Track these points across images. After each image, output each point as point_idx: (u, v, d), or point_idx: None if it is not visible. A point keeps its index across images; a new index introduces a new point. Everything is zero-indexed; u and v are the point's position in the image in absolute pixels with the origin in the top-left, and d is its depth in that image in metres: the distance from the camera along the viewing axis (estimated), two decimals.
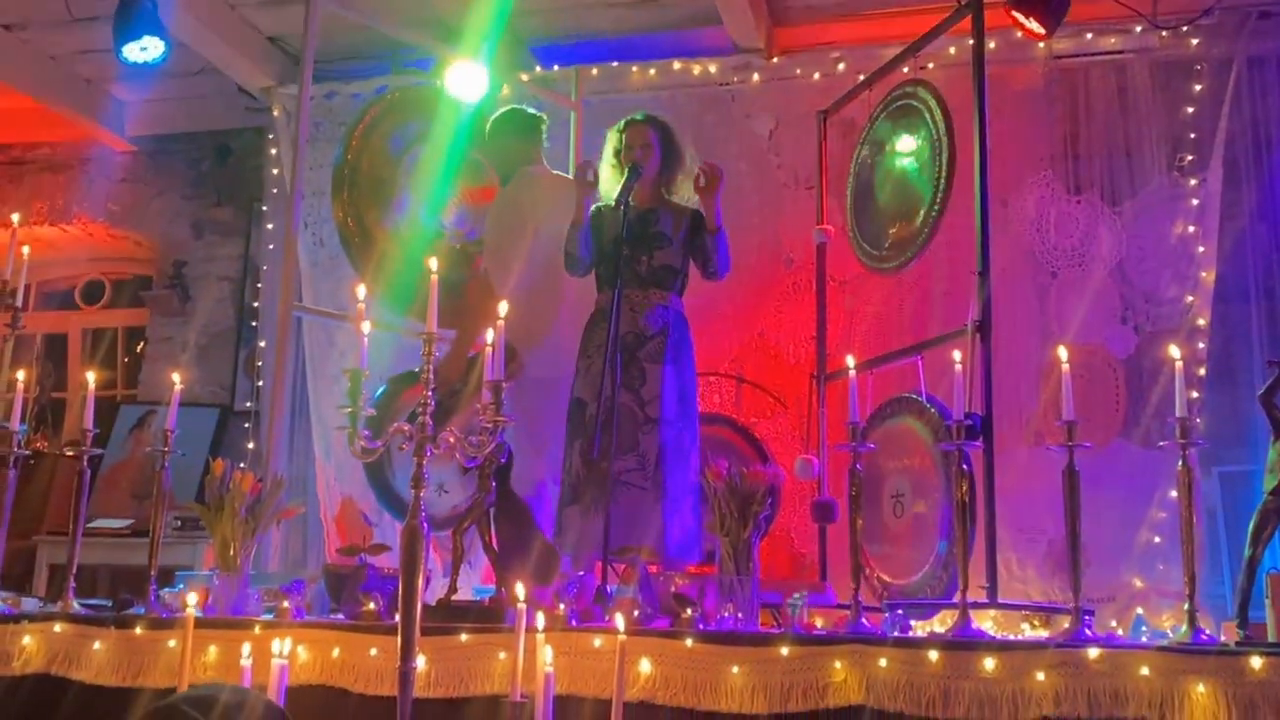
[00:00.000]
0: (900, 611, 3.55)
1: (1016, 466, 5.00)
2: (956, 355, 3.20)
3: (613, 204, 3.95)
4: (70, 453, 6.94)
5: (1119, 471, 5.18)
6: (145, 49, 5.40)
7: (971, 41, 4.30)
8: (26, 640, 3.03)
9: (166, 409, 6.74)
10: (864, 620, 2.84)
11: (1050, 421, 5.27)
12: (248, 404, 6.65)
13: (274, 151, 6.40)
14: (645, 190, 3.96)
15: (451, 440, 2.57)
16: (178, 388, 3.49)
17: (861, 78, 5.63)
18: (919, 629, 3.74)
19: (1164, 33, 5.36)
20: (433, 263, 2.68)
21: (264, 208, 6.55)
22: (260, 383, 6.49)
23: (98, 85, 6.88)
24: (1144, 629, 5.03)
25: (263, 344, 6.35)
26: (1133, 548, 5.11)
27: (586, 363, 3.88)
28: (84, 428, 3.52)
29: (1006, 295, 5.04)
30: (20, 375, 4.00)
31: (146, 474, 6.73)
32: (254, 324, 6.67)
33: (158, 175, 7.22)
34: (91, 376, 3.55)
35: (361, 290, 2.77)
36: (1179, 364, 2.84)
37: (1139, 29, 5.39)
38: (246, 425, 6.54)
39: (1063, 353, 2.82)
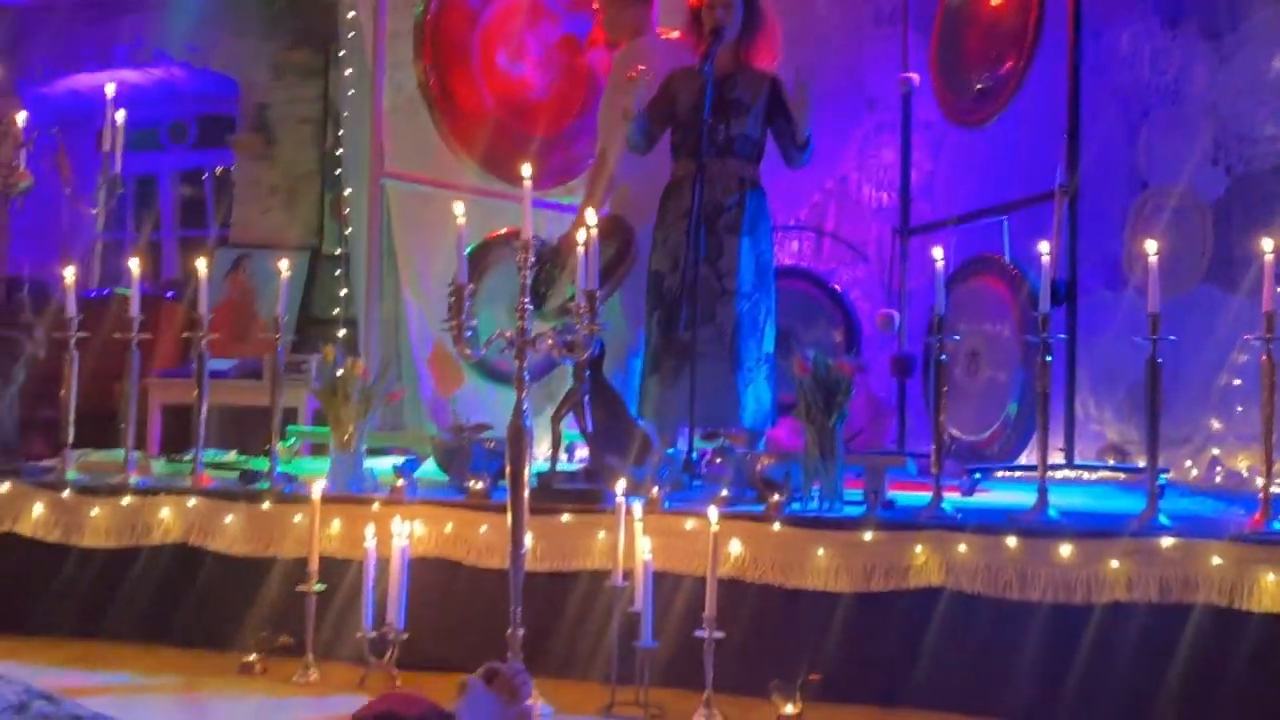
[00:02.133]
0: (976, 476, 3.71)
1: (1098, 310, 5.02)
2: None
3: (690, 67, 3.92)
4: (169, 294, 7.30)
5: (1203, 314, 5.18)
6: None
7: None
8: (164, 513, 3.30)
9: (260, 251, 7.05)
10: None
11: (1134, 265, 5.26)
12: (337, 250, 6.82)
13: None
14: (723, 54, 3.91)
15: (549, 344, 2.69)
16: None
17: None
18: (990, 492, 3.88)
19: None
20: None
21: (342, 51, 6.53)
22: (348, 230, 6.61)
23: None
24: (1219, 469, 5.13)
25: (348, 192, 6.45)
26: (1211, 390, 5.15)
27: (664, 234, 3.94)
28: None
29: (1094, 135, 4.94)
30: None
31: (247, 315, 7.02)
32: (337, 172, 6.75)
33: (234, 15, 7.21)
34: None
35: (459, 207, 2.85)
36: (1269, 258, 2.82)
37: None
38: (337, 272, 6.73)
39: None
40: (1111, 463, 5.05)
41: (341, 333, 6.50)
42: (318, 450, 5.32)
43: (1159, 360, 2.74)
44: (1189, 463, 5.17)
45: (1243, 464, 5.12)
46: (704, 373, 3.69)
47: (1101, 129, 5.20)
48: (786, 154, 4.03)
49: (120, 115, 4.73)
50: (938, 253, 2.97)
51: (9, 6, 7.47)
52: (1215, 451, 5.20)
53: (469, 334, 2.70)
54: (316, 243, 7.04)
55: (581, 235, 2.79)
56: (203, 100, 7.72)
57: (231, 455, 4.84)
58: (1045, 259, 2.88)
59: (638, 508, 2.77)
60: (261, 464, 4.21)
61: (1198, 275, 5.22)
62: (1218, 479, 5.09)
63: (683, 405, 3.59)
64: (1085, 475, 4.13)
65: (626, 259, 4.23)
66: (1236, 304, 5.16)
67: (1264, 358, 2.79)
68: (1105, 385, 5.28)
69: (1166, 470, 3.91)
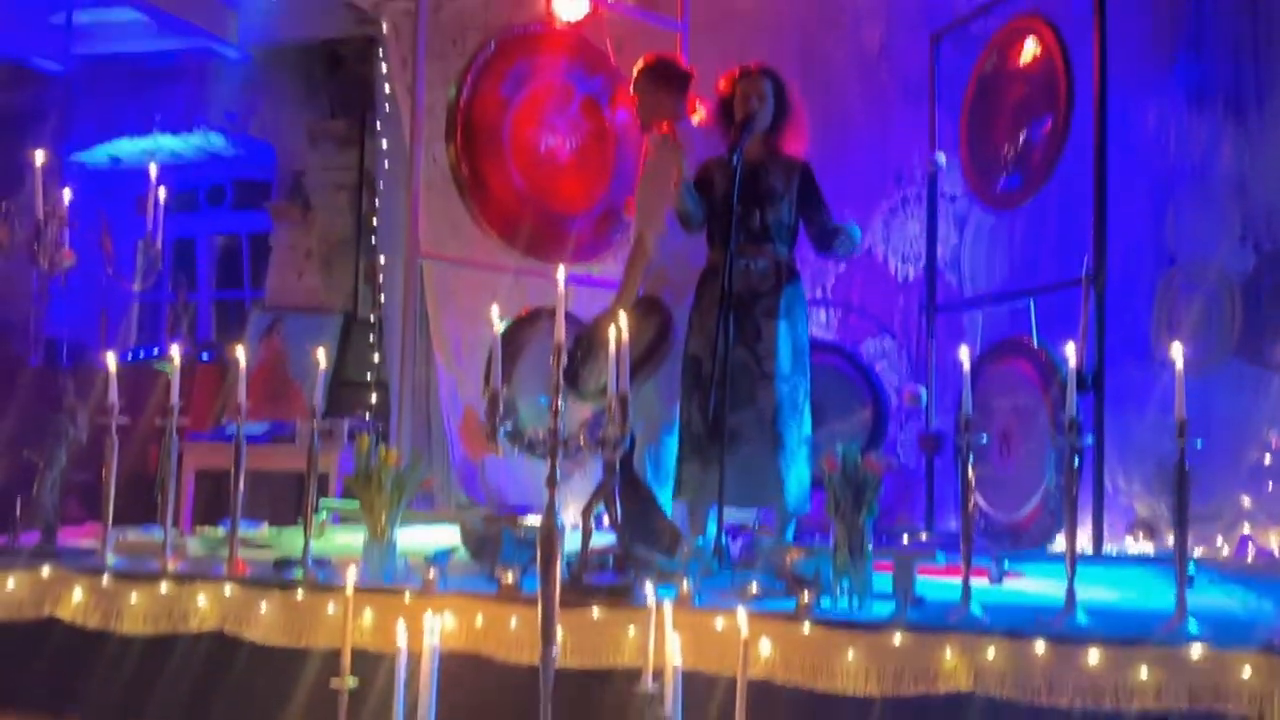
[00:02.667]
0: (1005, 564, 3.72)
1: (1126, 383, 5.03)
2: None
3: (723, 156, 4.00)
4: (205, 355, 7.40)
5: (1232, 390, 5.18)
6: None
7: None
8: (201, 600, 3.36)
9: (295, 315, 7.16)
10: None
11: (1162, 340, 5.27)
12: (370, 315, 6.91)
13: (384, 69, 6.48)
14: (755, 144, 3.98)
15: (582, 442, 2.74)
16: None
17: None
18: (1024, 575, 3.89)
19: None
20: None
21: (377, 122, 6.67)
22: (382, 296, 6.71)
23: None
24: (1250, 547, 5.10)
25: (382, 260, 6.56)
26: (1242, 466, 5.14)
27: (700, 319, 3.99)
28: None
29: (1121, 212, 4.96)
30: None
31: (280, 378, 7.12)
32: (372, 240, 6.87)
33: (271, 83, 7.38)
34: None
35: (495, 311, 2.91)
36: None
37: None
38: (370, 338, 6.82)
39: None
40: (1140, 549, 5.06)
41: (374, 398, 6.61)
42: (347, 519, 5.37)
43: (1186, 466, 2.73)
44: (1220, 539, 5.16)
45: (1274, 542, 5.11)
46: (746, 455, 3.75)
47: (1129, 206, 5.23)
48: (817, 241, 4.09)
49: (162, 193, 4.84)
50: (964, 353, 3.00)
51: (53, 75, 7.66)
52: (1246, 529, 5.19)
53: (503, 434, 2.75)
54: (351, 307, 7.15)
55: (613, 332, 2.85)
56: (241, 164, 7.89)
57: (265, 531, 4.90)
58: (1071, 362, 2.90)
59: (668, 606, 2.80)
60: (295, 537, 4.28)
61: (1228, 350, 5.23)
62: (1249, 558, 5.07)
63: (724, 487, 3.62)
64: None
65: (665, 341, 4.29)
66: (1267, 379, 5.18)
67: None
68: (1134, 459, 5.27)
69: (1195, 556, 3.92)
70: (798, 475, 3.85)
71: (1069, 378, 2.89)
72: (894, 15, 5.70)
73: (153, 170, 4.54)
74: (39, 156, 4.27)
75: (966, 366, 2.95)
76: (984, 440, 3.11)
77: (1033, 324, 4.18)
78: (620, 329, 2.92)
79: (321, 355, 3.60)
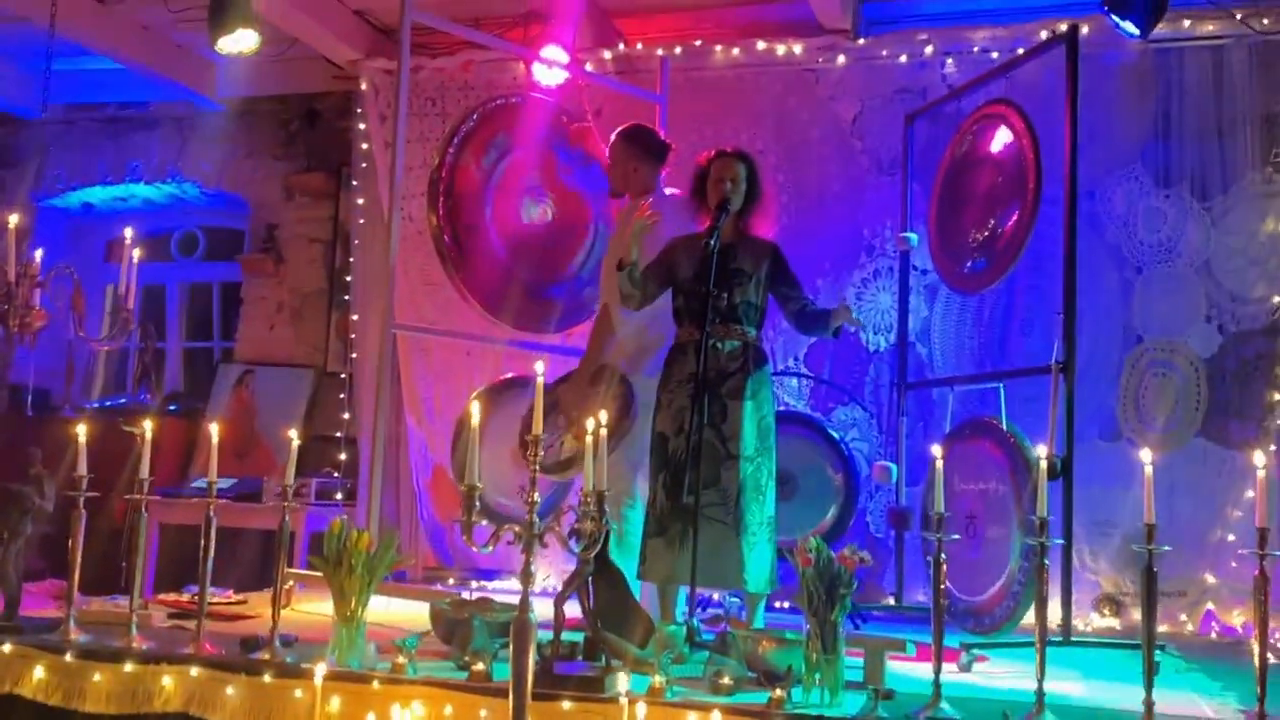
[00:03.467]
0: (973, 652, 3.74)
1: (1092, 459, 5.09)
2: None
3: (692, 236, 4.04)
4: (172, 407, 7.33)
5: (1197, 468, 5.25)
6: (239, 41, 5.53)
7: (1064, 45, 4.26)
8: (166, 681, 3.31)
9: (264, 369, 7.11)
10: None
11: (1128, 417, 5.35)
12: (341, 374, 6.86)
13: (362, 126, 6.49)
14: (726, 225, 4.01)
15: (559, 540, 2.74)
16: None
17: (949, 61, 5.60)
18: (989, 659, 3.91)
19: (1265, 20, 5.22)
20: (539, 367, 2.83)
21: (354, 181, 6.67)
22: (354, 354, 6.68)
23: (189, 50, 6.98)
24: (1214, 625, 5.16)
25: (355, 317, 6.55)
26: (1207, 543, 5.20)
27: (669, 397, 4.00)
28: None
29: (1090, 289, 5.05)
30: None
31: (248, 432, 7.06)
32: (345, 296, 6.84)
33: (248, 136, 7.37)
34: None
35: (475, 409, 2.92)
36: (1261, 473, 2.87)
37: (1239, 14, 5.25)
38: (341, 395, 6.77)
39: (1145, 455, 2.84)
40: (1106, 623, 5.11)
41: (342, 456, 6.56)
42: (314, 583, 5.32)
43: (1154, 570, 2.76)
44: (1184, 616, 5.22)
45: (1237, 620, 5.17)
46: (710, 536, 3.74)
47: (1097, 283, 5.33)
48: (796, 321, 4.12)
49: (136, 253, 4.83)
50: (937, 450, 3.03)
51: (29, 120, 7.63)
52: (1210, 606, 5.25)
53: (479, 530, 2.75)
54: (321, 361, 7.11)
55: (590, 425, 2.86)
56: (213, 214, 7.85)
57: (232, 596, 4.85)
58: (1043, 464, 2.93)
59: (641, 704, 2.80)
60: (261, 606, 4.19)
61: (1192, 429, 5.31)
62: (1213, 634, 5.13)
63: (687, 569, 3.62)
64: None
65: (627, 416, 4.30)
66: (1230, 458, 5.26)
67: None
68: (1099, 535, 5.33)
69: (1159, 631, 3.96)
70: (760, 556, 3.86)
71: (1039, 478, 2.92)
72: (867, 90, 5.78)
73: (128, 235, 4.52)
74: (12, 219, 4.24)
75: (939, 464, 2.97)
76: (955, 538, 3.13)
77: (1002, 409, 4.22)
78: (600, 424, 2.94)
79: (294, 434, 3.58)
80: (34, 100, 7.31)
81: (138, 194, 7.78)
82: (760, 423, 3.95)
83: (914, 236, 5.01)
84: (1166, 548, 2.85)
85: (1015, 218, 4.24)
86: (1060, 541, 3.64)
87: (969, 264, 4.57)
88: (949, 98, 5.00)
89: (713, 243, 3.82)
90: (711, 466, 3.83)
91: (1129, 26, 4.68)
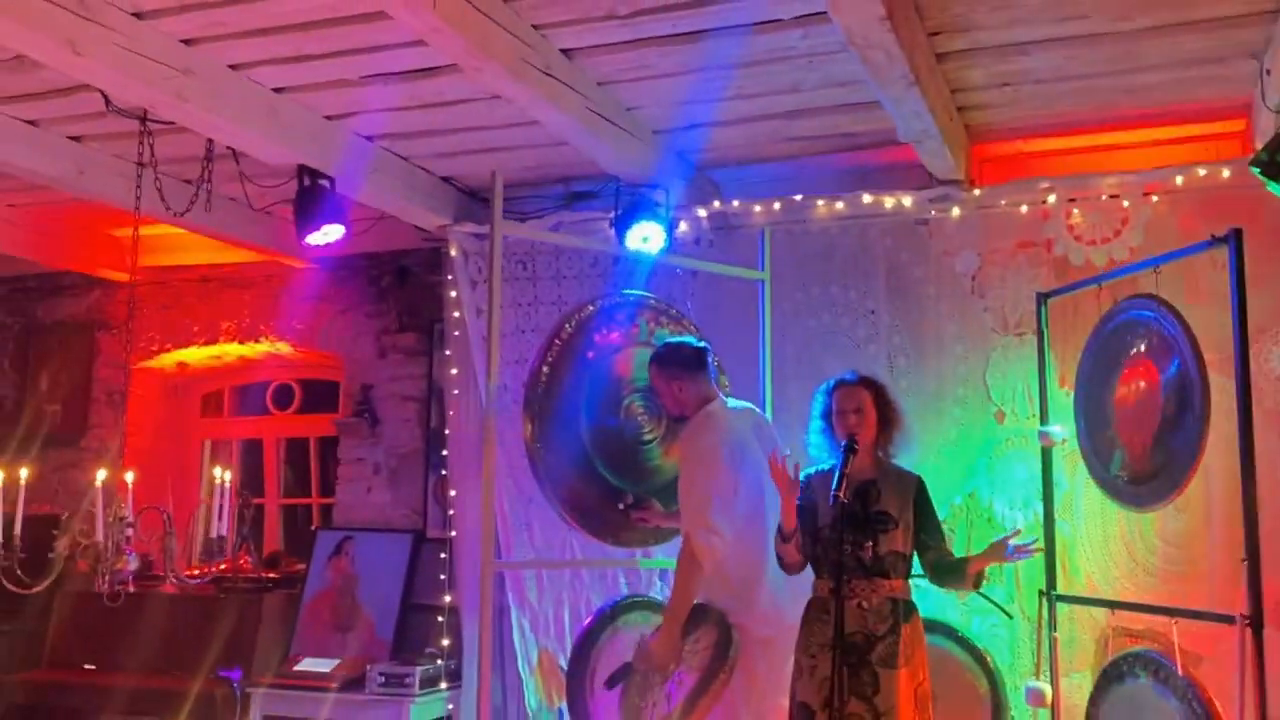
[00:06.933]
0: None
1: (1270, 650, 4.58)
2: None
3: (825, 470, 3.69)
4: (272, 576, 7.19)
5: None
6: (326, 235, 5.39)
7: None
8: None
9: (363, 534, 6.92)
10: None
11: None
12: (439, 533, 6.64)
13: (453, 294, 6.28)
14: (862, 459, 3.65)
15: None
16: None
17: (1076, 211, 5.21)
18: None
19: None
20: None
21: (447, 350, 6.45)
22: (451, 512, 6.43)
23: (275, 214, 6.87)
24: None
25: (453, 493, 6.32)
26: None
27: (810, 662, 3.64)
28: None
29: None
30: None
31: (349, 603, 6.85)
32: (444, 451, 6.60)
33: (339, 293, 7.23)
34: None
35: None
36: None
37: None
38: (442, 555, 6.52)
39: None
40: None
41: (444, 635, 6.29)
42: None
43: None
44: None
45: None
46: None
47: (1261, 453, 4.81)
48: (932, 572, 3.71)
49: (229, 476, 4.71)
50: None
51: (119, 285, 7.61)
52: None
53: None
54: (420, 524, 6.89)
55: None
56: (308, 368, 7.73)
57: None
58: None
59: None
60: None
61: None
62: None
63: None
64: None
65: (726, 658, 3.94)
66: None
67: None
68: None
69: None
70: None
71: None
72: (985, 244, 5.40)
73: (222, 477, 4.36)
74: (99, 476, 4.08)
75: None
76: None
77: (1176, 658, 3.75)
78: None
79: None
80: (122, 263, 7.31)
81: (231, 352, 7.69)
82: (917, 689, 3.56)
83: (1059, 431, 4.58)
84: None
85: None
86: None
87: (1118, 474, 4.13)
88: (1087, 283, 4.58)
89: (834, 497, 3.45)
90: None
91: None
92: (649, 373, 4.47)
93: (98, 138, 5.48)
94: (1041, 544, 3.83)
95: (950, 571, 3.63)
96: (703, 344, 4.50)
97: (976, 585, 3.62)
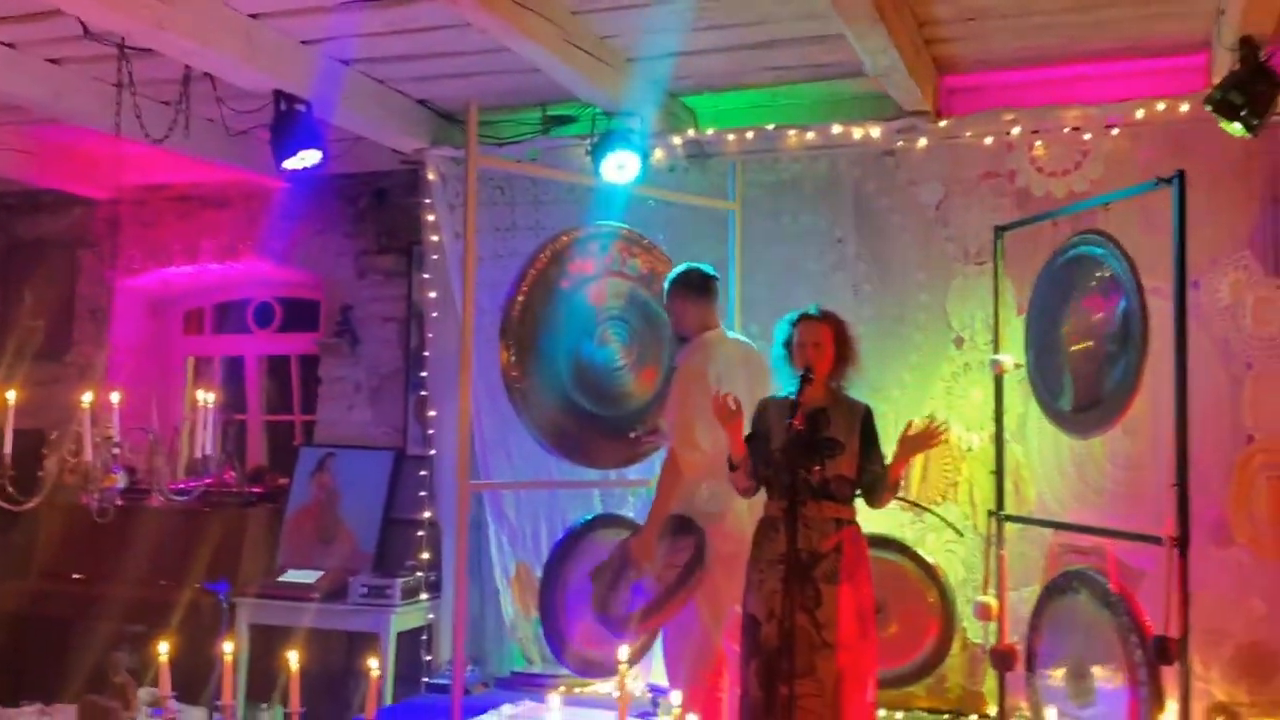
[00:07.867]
0: None
1: (1202, 565, 4.83)
2: None
3: (783, 399, 3.87)
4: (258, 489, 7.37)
5: None
6: (303, 160, 5.45)
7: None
8: None
9: (345, 451, 7.09)
10: None
11: (1240, 521, 5.07)
12: (419, 451, 6.81)
13: (431, 218, 6.37)
14: (816, 388, 3.83)
15: None
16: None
17: (1039, 144, 5.32)
18: None
19: None
20: None
21: (425, 274, 6.55)
22: (430, 431, 6.59)
23: (253, 136, 6.90)
24: None
25: (433, 413, 6.47)
26: None
27: (759, 577, 3.85)
28: None
29: (1196, 386, 4.77)
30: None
31: (331, 518, 7.05)
32: (423, 374, 6.75)
33: (318, 213, 7.30)
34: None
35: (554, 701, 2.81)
36: None
37: None
38: (422, 472, 6.70)
39: None
40: None
41: (424, 546, 6.49)
42: None
43: None
44: None
45: None
46: None
47: (1204, 379, 5.02)
48: (866, 491, 3.92)
49: (212, 397, 4.82)
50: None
51: (103, 200, 7.68)
52: None
53: None
54: (401, 442, 7.06)
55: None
56: (288, 286, 7.83)
57: None
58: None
59: None
60: None
61: None
62: None
63: None
64: None
65: (700, 563, 4.21)
66: None
67: None
68: (1211, 644, 5.08)
69: None
70: None
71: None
72: (951, 175, 5.51)
73: (205, 399, 4.50)
74: (86, 398, 4.21)
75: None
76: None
77: (1113, 575, 3.98)
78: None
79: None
80: (104, 182, 7.36)
81: (210, 272, 7.78)
82: (859, 606, 3.78)
83: (1009, 359, 4.76)
84: None
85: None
86: None
87: (1068, 409, 4.32)
88: (1042, 218, 4.72)
89: (790, 419, 3.63)
90: (806, 655, 3.67)
91: (1236, 129, 4.38)
92: (665, 292, 4.66)
93: (76, 60, 5.51)
94: (947, 426, 4.04)
95: (877, 484, 3.84)
96: (713, 273, 4.66)
97: (895, 490, 3.85)
